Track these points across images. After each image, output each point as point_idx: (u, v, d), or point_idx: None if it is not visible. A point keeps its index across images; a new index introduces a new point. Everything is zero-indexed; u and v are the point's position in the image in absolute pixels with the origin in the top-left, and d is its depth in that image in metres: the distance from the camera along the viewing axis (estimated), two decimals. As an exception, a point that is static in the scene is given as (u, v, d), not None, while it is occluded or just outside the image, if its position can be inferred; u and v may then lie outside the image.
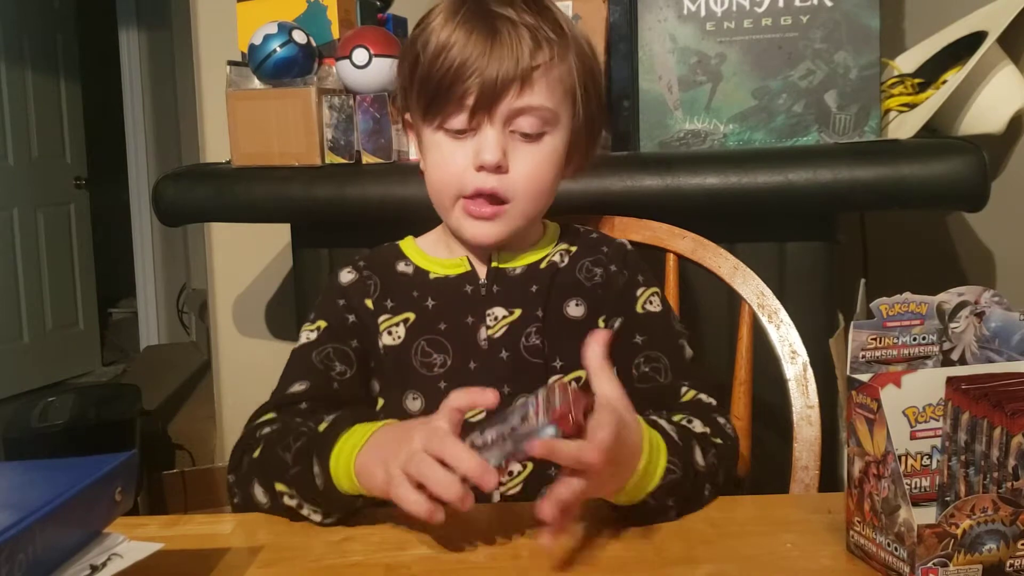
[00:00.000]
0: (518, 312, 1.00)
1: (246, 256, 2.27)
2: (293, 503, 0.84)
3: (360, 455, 0.80)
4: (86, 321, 4.67)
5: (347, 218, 1.50)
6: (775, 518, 0.83)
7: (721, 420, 0.94)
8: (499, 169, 0.95)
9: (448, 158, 0.97)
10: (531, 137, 0.96)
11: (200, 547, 0.79)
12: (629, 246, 1.08)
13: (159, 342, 4.79)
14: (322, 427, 0.85)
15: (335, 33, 1.55)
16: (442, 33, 0.95)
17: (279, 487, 0.85)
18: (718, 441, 0.90)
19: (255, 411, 0.97)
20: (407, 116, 1.05)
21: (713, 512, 0.84)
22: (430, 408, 0.96)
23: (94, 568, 0.63)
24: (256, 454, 0.89)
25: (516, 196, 0.97)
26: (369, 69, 1.46)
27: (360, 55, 1.46)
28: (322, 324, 1.02)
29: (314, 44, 1.51)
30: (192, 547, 0.78)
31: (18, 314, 4.21)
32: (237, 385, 2.35)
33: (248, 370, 2.32)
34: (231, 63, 1.54)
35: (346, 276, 1.05)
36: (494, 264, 1.02)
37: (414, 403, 0.99)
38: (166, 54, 4.34)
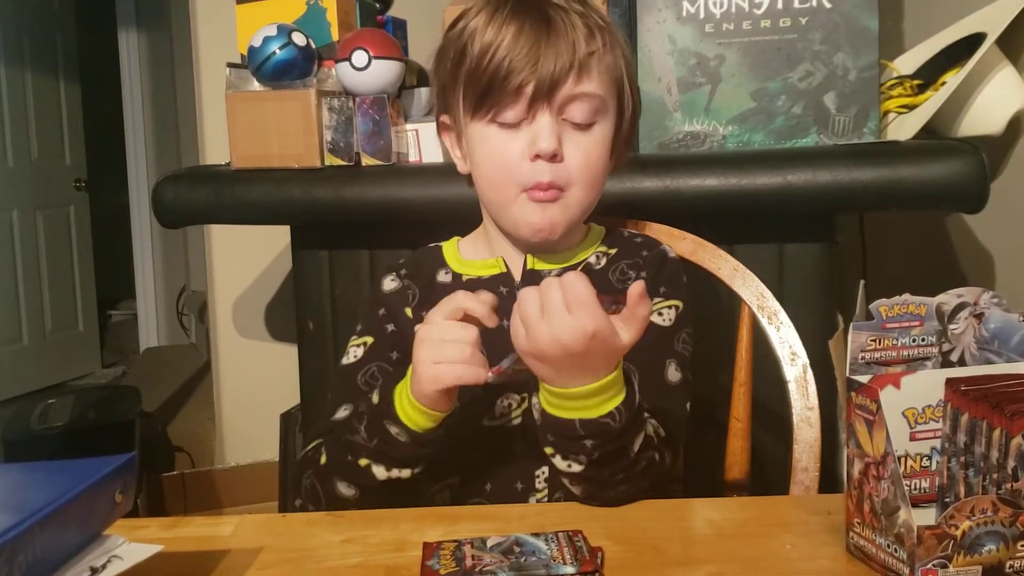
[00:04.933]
0: None
1: (246, 258, 2.27)
2: (381, 469, 0.89)
3: (411, 387, 0.86)
4: (86, 323, 4.66)
5: (347, 220, 1.50)
6: (775, 519, 0.83)
7: (656, 454, 0.90)
8: (555, 157, 0.95)
9: (501, 150, 0.96)
10: (582, 126, 0.96)
11: (200, 549, 0.79)
12: (671, 254, 1.06)
13: (159, 344, 4.78)
14: (375, 398, 0.90)
15: (334, 35, 1.55)
16: (489, 30, 0.94)
17: (364, 462, 0.89)
18: (655, 456, 0.88)
19: (305, 439, 1.01)
20: (444, 118, 1.04)
21: (713, 512, 0.84)
22: (466, 416, 0.95)
23: (94, 570, 0.63)
24: (323, 461, 0.93)
25: (572, 183, 0.96)
26: (368, 71, 1.47)
27: (359, 57, 1.46)
28: (368, 340, 1.03)
29: (313, 46, 1.51)
30: (192, 549, 0.78)
31: (17, 316, 4.20)
32: (237, 387, 2.35)
33: (248, 372, 2.32)
34: (231, 65, 1.54)
35: (389, 284, 1.06)
36: (529, 267, 1.02)
37: None
38: (166, 56, 4.34)
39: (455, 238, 1.09)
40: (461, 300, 0.84)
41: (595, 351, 0.79)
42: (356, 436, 0.90)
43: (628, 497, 0.85)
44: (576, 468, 0.84)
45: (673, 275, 1.04)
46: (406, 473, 0.89)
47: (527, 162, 0.95)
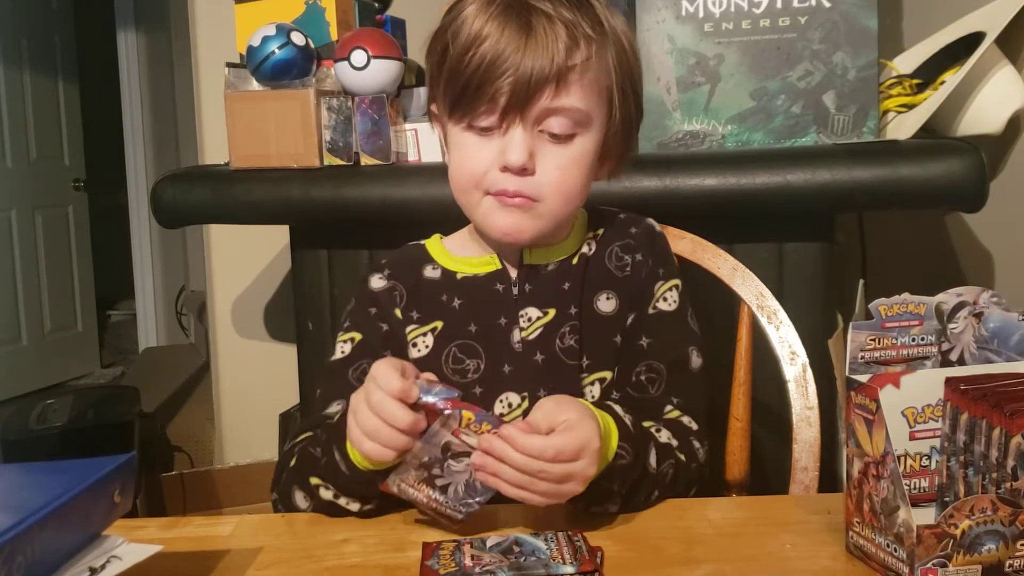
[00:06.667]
0: (552, 313, 0.98)
1: (245, 258, 2.27)
2: (329, 495, 0.86)
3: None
4: (85, 323, 4.66)
5: (346, 219, 1.50)
6: (774, 519, 0.83)
7: (696, 444, 0.93)
8: (524, 171, 0.91)
9: (473, 156, 0.93)
10: (560, 138, 0.92)
11: (199, 549, 0.79)
12: (657, 228, 1.04)
13: (158, 344, 4.78)
14: (336, 416, 0.88)
15: (333, 35, 1.55)
16: (475, 24, 0.90)
17: (314, 481, 0.87)
18: (682, 458, 0.90)
19: (294, 431, 0.98)
20: (433, 107, 1.01)
21: (713, 512, 0.84)
22: None
23: (93, 570, 0.63)
24: (293, 462, 0.92)
25: (544, 197, 0.93)
26: (367, 71, 1.47)
27: (358, 57, 1.46)
28: (356, 336, 1.01)
29: (312, 46, 1.51)
30: (191, 549, 0.79)
31: (16, 316, 4.20)
32: (236, 387, 2.35)
33: (247, 372, 2.32)
34: (229, 65, 1.54)
35: (377, 283, 1.03)
36: (526, 262, 0.99)
37: None
38: (164, 56, 4.34)
39: (436, 235, 1.07)
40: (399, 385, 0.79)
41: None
42: (316, 448, 0.88)
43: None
44: (613, 509, 0.84)
45: (665, 251, 1.03)
46: (354, 507, 0.86)
47: (495, 170, 0.92)
